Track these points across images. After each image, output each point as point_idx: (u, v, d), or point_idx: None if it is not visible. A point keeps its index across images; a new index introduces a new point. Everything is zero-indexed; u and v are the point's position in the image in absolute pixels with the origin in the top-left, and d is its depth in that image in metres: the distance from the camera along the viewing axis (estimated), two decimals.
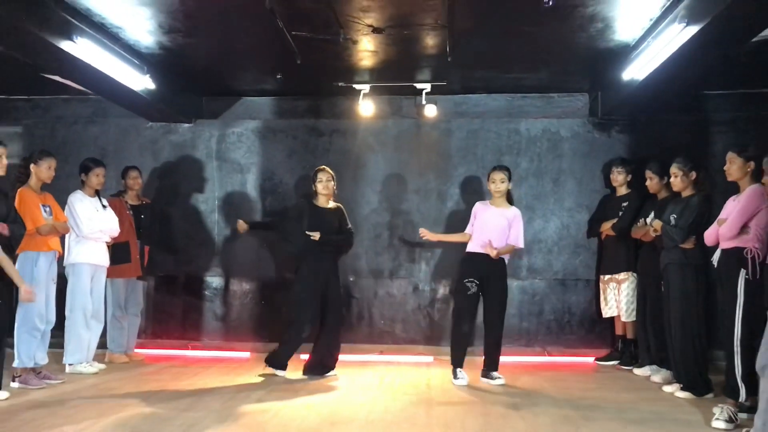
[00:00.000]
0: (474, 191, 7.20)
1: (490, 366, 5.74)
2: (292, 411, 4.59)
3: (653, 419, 4.47)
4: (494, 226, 5.75)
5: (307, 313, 5.82)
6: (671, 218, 5.27)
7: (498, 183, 5.80)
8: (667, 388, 5.34)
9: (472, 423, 4.31)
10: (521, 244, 5.87)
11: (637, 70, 5.76)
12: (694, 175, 5.28)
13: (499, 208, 5.84)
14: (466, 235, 5.93)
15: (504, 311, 5.76)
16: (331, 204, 6.07)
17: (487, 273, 5.69)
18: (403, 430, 4.11)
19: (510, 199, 5.94)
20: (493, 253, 5.61)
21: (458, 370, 5.69)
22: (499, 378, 5.67)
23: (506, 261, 5.85)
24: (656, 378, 5.76)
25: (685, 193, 5.33)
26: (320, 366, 5.90)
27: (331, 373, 5.91)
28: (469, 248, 5.82)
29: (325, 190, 5.97)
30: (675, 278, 5.21)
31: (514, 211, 5.85)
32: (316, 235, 5.79)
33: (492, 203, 5.90)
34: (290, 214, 6.09)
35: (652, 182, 6.08)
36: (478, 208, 5.95)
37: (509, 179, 5.85)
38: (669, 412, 4.68)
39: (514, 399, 5.06)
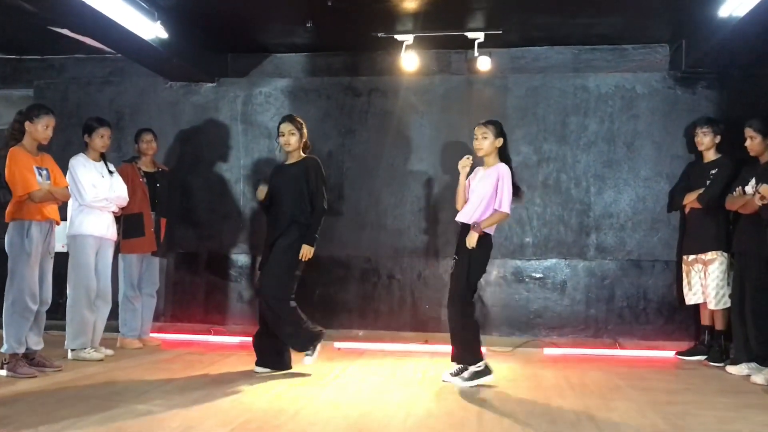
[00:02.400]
0: (533, 157, 6.29)
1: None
2: (313, 412, 3.78)
3: None
4: (476, 194, 4.68)
5: None
6: None
7: (480, 139, 4.72)
8: None
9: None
10: (503, 209, 4.57)
11: (737, 4, 4.73)
12: None
13: (485, 169, 4.76)
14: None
15: (456, 294, 4.71)
16: (295, 159, 4.99)
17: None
18: None
19: (504, 158, 4.77)
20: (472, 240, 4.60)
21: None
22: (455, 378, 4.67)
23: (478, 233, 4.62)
24: (758, 379, 4.75)
25: None
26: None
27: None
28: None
29: (286, 146, 4.96)
30: None
31: (496, 169, 4.65)
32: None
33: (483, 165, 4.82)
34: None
35: (753, 142, 5.06)
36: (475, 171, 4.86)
37: (496, 134, 4.70)
38: None
39: (586, 401, 4.14)
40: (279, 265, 4.84)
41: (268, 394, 4.22)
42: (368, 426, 3.52)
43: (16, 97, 7.17)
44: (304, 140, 5.01)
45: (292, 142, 4.93)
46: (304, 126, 4.98)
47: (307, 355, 4.87)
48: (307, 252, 4.85)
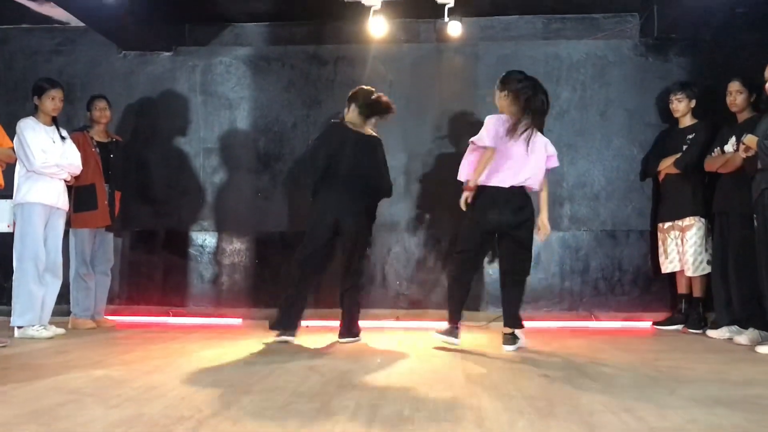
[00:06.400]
0: None
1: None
2: (287, 373, 3.49)
3: (765, 381, 3.36)
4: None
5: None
6: None
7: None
8: (763, 349, 4.21)
9: (528, 384, 3.20)
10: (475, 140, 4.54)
11: None
12: None
13: None
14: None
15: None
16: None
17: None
18: (438, 392, 3.00)
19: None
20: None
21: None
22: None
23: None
24: (741, 339, 4.63)
25: None
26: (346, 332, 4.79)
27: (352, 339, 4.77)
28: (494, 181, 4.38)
29: None
30: None
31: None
32: None
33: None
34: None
35: (739, 97, 4.96)
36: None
37: (501, 89, 4.58)
38: None
39: (573, 360, 3.96)
40: None
41: (239, 361, 3.92)
42: (350, 381, 3.25)
43: None
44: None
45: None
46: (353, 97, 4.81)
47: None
48: None
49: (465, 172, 4.47)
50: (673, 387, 3.15)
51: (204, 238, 6.34)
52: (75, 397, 2.89)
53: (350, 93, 4.84)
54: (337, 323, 4.87)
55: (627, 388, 3.12)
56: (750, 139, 4.25)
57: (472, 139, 4.45)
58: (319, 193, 4.70)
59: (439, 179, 6.08)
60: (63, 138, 5.16)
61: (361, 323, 5.01)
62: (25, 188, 4.93)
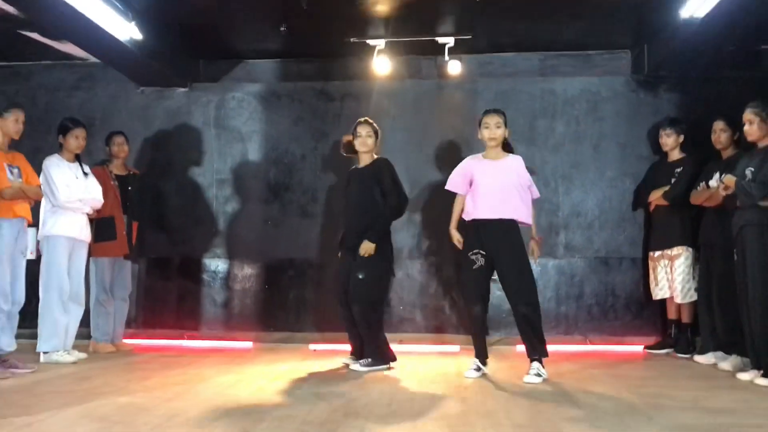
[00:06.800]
0: None
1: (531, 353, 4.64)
2: (296, 401, 3.79)
3: (739, 409, 3.63)
4: (497, 186, 4.62)
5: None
6: (747, 172, 4.44)
7: (492, 128, 4.62)
8: (743, 376, 4.48)
9: (519, 413, 3.49)
10: (538, 195, 4.90)
11: (698, 5, 4.95)
12: None
13: (497, 160, 4.71)
14: (461, 199, 4.84)
15: (531, 288, 4.66)
16: (368, 161, 5.04)
17: (497, 241, 4.60)
18: (435, 422, 3.30)
19: (508, 149, 4.81)
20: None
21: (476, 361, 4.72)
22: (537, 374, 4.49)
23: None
24: (725, 365, 4.90)
25: (763, 143, 4.50)
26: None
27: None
28: (474, 214, 4.68)
29: (363, 146, 5.00)
30: (753, 242, 4.36)
31: (515, 159, 4.74)
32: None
33: (486, 156, 4.75)
34: None
35: (723, 135, 5.26)
36: (472, 164, 4.76)
37: (505, 124, 4.68)
38: (755, 400, 3.85)
39: (564, 387, 4.24)
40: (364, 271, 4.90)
41: (251, 387, 4.22)
42: (353, 410, 3.54)
43: None
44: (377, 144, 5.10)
45: (368, 144, 5.00)
46: (379, 131, 5.09)
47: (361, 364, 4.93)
48: (366, 248, 4.86)
49: (528, 219, 4.75)
50: (651, 415, 3.44)
51: (217, 265, 6.66)
52: (104, 425, 3.19)
53: (375, 124, 5.08)
54: (344, 346, 5.17)
55: (608, 416, 3.40)
56: (729, 179, 4.53)
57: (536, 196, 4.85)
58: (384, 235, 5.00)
59: (439, 208, 6.32)
60: (85, 174, 5.49)
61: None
62: (50, 222, 5.25)
